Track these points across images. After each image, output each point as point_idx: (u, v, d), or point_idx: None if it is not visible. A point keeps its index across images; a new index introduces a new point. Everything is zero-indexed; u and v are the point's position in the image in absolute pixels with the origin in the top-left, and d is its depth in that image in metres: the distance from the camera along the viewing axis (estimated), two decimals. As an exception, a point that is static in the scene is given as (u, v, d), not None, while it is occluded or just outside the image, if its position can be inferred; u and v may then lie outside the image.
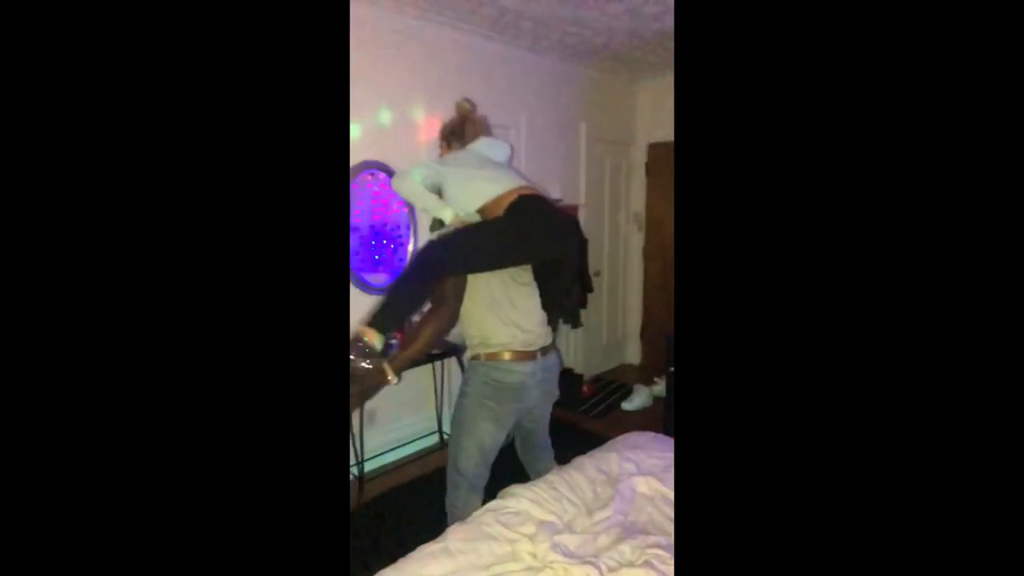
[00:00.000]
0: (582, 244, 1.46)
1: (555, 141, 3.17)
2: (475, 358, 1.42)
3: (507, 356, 1.37)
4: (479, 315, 1.38)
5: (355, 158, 2.24)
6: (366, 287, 2.35)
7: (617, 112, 3.59)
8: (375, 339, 1.28)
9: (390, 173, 2.38)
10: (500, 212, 1.34)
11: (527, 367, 1.39)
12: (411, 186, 1.40)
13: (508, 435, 1.50)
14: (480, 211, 1.37)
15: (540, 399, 1.50)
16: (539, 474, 1.61)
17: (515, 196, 1.34)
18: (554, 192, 3.20)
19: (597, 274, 3.54)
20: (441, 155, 1.57)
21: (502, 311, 1.37)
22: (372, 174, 2.34)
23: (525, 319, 1.40)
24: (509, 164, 1.58)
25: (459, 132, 1.55)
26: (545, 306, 1.47)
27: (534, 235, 1.33)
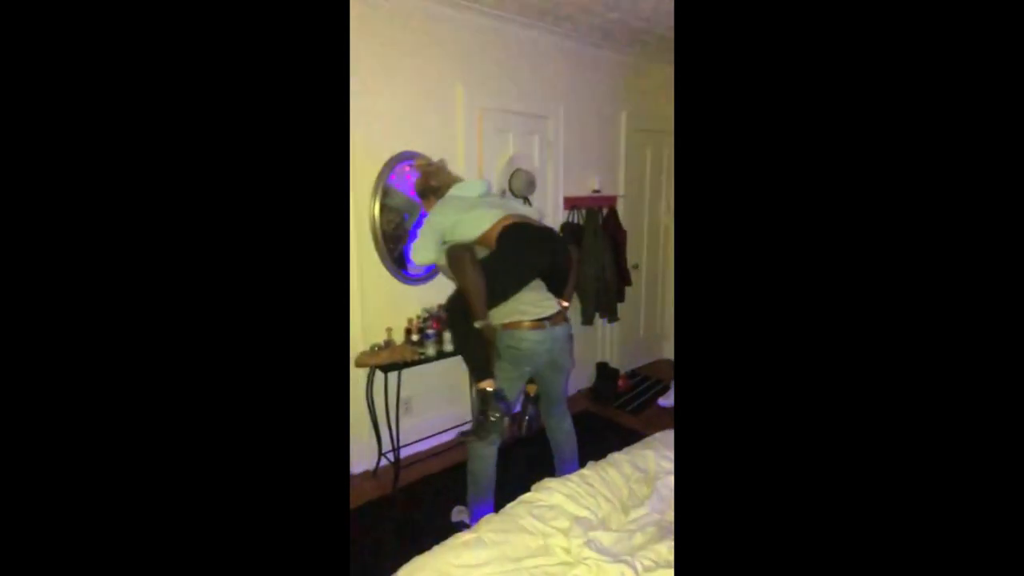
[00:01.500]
0: (565, 248, 1.80)
1: (594, 130, 3.11)
2: (496, 328, 1.69)
3: (520, 326, 1.65)
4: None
5: (394, 149, 2.26)
6: (404, 277, 2.38)
7: (659, 100, 3.48)
8: (492, 384, 1.64)
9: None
10: (492, 243, 1.66)
11: (537, 335, 1.65)
12: (424, 255, 1.73)
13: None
14: (477, 241, 1.69)
15: (547, 365, 1.75)
16: (555, 441, 1.92)
17: (500, 228, 1.65)
18: (592, 183, 3.15)
19: (635, 267, 3.47)
20: (426, 208, 1.89)
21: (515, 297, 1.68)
22: (411, 165, 2.35)
23: (531, 298, 1.68)
24: (488, 194, 1.85)
25: (425, 188, 1.89)
26: (551, 289, 1.77)
27: (525, 259, 1.68)
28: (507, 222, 1.66)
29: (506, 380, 1.69)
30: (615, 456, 1.58)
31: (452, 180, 1.87)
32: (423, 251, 1.74)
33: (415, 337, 2.27)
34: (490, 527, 1.24)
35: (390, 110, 2.25)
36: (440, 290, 2.47)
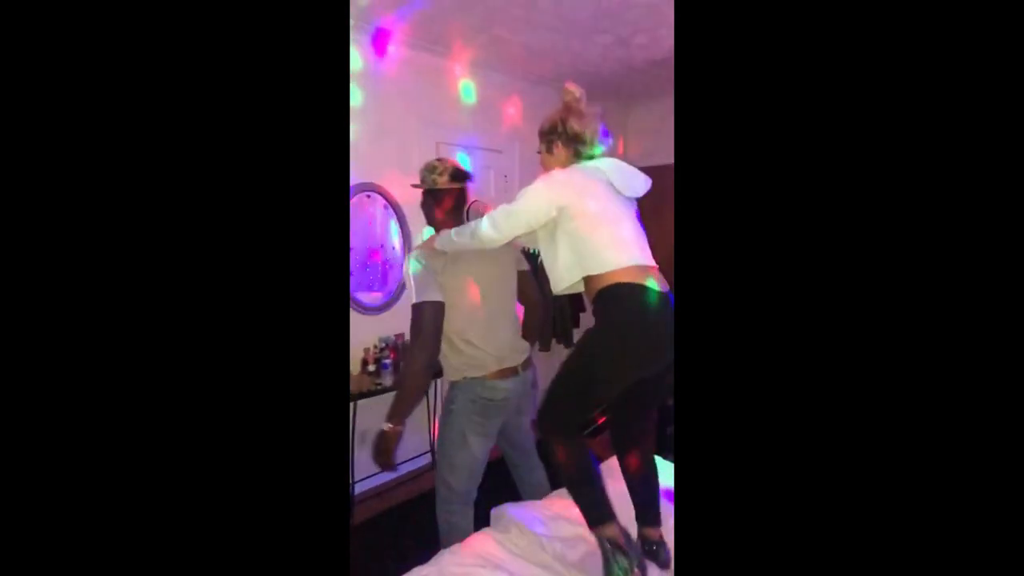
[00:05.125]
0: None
1: (547, 164, 3.24)
2: (461, 378, 1.43)
3: (492, 375, 1.41)
4: (469, 344, 1.40)
5: (352, 180, 2.28)
6: (361, 307, 2.36)
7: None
8: (617, 531, 1.12)
9: (386, 195, 2.41)
10: (600, 287, 1.10)
11: (510, 383, 1.43)
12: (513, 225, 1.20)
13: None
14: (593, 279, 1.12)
15: (516, 411, 1.52)
16: (532, 487, 1.62)
17: (628, 279, 1.08)
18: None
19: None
20: (543, 162, 1.28)
21: (491, 340, 1.42)
22: (369, 195, 2.37)
23: (505, 344, 1.45)
24: (638, 202, 1.25)
25: (557, 130, 1.23)
26: (525, 336, 1.53)
27: (637, 358, 1.08)
28: (639, 279, 1.08)
29: (476, 434, 1.41)
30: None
31: (595, 138, 1.22)
32: (521, 221, 1.17)
33: (371, 367, 2.24)
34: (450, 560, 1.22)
35: (351, 143, 2.27)
36: (397, 319, 2.46)
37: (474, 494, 1.47)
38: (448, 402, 1.45)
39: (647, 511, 1.25)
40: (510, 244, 1.35)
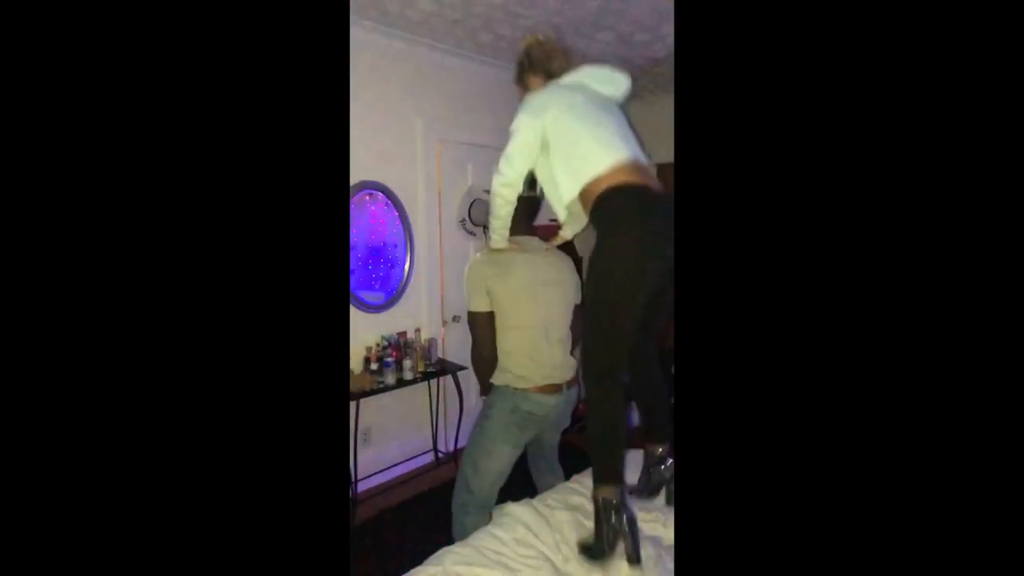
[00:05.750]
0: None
1: (549, 163, 3.24)
2: (504, 385, 1.42)
3: (536, 389, 1.39)
4: (517, 354, 1.40)
5: (353, 178, 2.28)
6: (364, 305, 2.36)
7: (610, 135, 3.67)
8: (614, 494, 1.09)
9: (388, 194, 2.41)
10: (593, 197, 1.07)
11: (553, 400, 1.42)
12: (518, 165, 1.19)
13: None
14: (580, 192, 1.11)
15: (554, 426, 1.54)
16: (546, 486, 1.63)
17: (616, 184, 1.05)
18: (550, 212, 3.25)
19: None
20: (523, 94, 1.32)
21: (538, 354, 1.40)
22: (370, 194, 2.38)
23: (551, 360, 1.42)
24: (618, 105, 1.27)
25: (529, 66, 1.32)
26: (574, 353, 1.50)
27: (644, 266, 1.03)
28: (630, 180, 1.05)
29: (507, 444, 1.41)
30: (579, 478, 1.52)
31: (564, 63, 1.31)
32: (517, 160, 1.18)
33: (374, 366, 2.25)
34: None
35: (352, 140, 2.27)
36: (400, 317, 2.46)
37: (493, 500, 1.46)
38: (487, 406, 1.44)
39: (653, 423, 1.23)
40: (567, 260, 1.53)
